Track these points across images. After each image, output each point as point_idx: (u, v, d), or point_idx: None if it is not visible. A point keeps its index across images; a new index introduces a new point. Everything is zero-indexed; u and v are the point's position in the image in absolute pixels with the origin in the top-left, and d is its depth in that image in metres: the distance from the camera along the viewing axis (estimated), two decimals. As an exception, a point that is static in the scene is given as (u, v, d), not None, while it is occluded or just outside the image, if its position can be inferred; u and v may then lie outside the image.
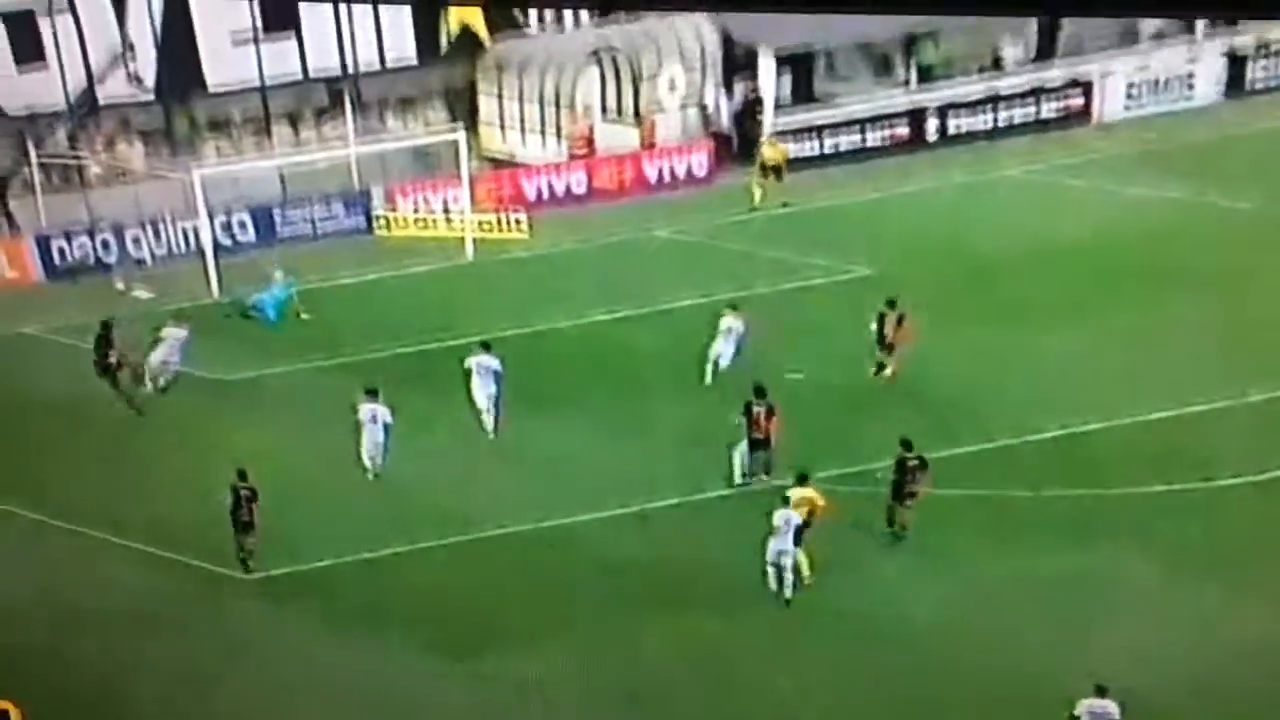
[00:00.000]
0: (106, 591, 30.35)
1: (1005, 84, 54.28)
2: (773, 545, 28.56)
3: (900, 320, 35.97)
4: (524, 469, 33.70)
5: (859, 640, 28.04)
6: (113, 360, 36.62)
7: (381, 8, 50.09)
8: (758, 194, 47.84)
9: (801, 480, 29.45)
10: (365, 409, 33.12)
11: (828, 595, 28.94)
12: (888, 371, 36.27)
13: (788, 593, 28.58)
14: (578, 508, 31.84)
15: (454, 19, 51.31)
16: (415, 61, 51.62)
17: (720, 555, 30.04)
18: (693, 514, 31.43)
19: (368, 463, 33.26)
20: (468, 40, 51.88)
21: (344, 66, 50.56)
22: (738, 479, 32.37)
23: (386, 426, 33.11)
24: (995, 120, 53.12)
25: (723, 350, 36.02)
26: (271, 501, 30.67)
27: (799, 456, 31.71)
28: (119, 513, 32.34)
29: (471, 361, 34.86)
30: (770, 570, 28.67)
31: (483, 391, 34.75)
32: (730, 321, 36.12)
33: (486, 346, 35.20)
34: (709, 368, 36.04)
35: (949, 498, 30.82)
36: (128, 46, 47.89)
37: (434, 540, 31.09)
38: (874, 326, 36.17)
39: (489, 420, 34.81)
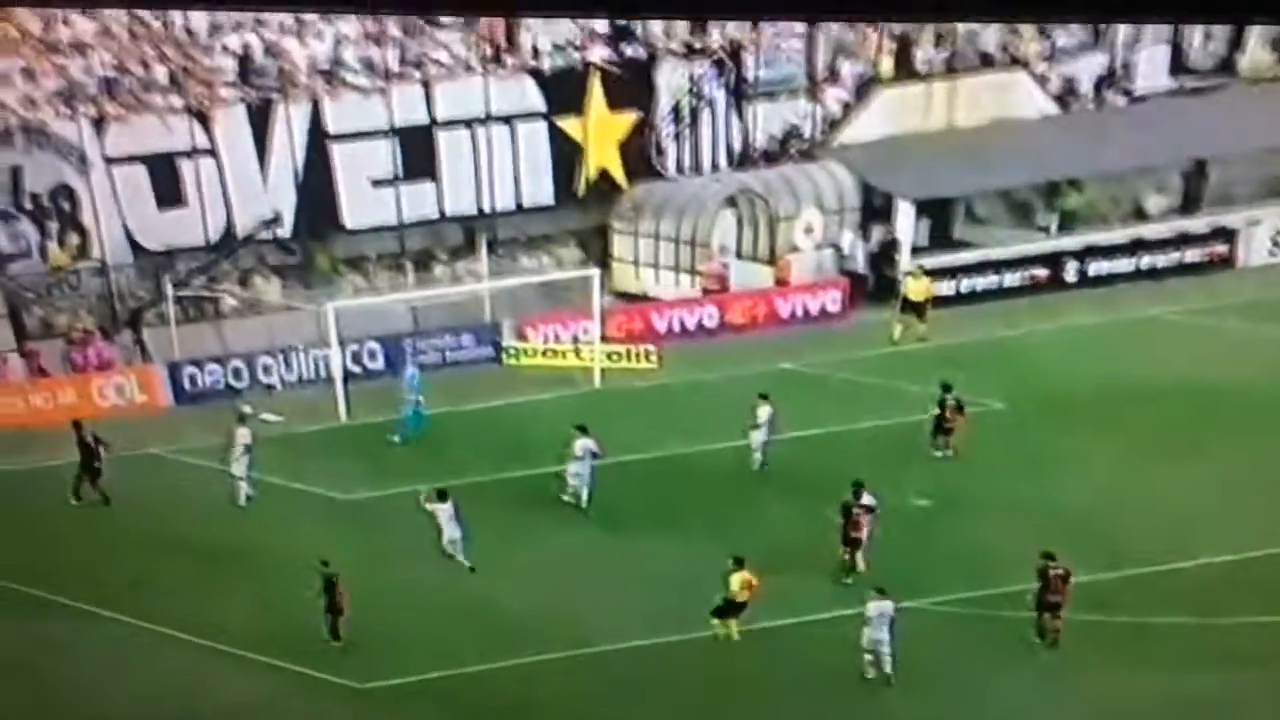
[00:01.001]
0: (217, 699, 30.22)
1: (1148, 230, 53.43)
2: (867, 634, 29.30)
3: (958, 407, 38.22)
4: (640, 588, 33.38)
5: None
6: (97, 465, 37.55)
7: (521, 156, 50.77)
8: (897, 330, 47.20)
9: (738, 564, 30.49)
10: (440, 509, 33.81)
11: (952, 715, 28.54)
12: (943, 453, 38.52)
13: (886, 668, 29.22)
14: (687, 626, 31.41)
15: (592, 164, 51.61)
16: (552, 203, 51.85)
17: (829, 664, 29.97)
18: (798, 628, 30.98)
19: (459, 556, 33.90)
20: (605, 184, 52.04)
21: (480, 208, 50.90)
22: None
23: (460, 521, 33.79)
24: (1136, 264, 52.11)
25: (762, 438, 38.23)
26: (380, 615, 31.14)
27: (928, 578, 32.20)
28: (233, 622, 32.37)
29: (575, 445, 36.26)
30: (866, 657, 29.23)
31: (577, 470, 36.47)
32: (765, 412, 38.15)
33: (584, 430, 36.54)
34: (755, 455, 38.32)
35: (1081, 623, 30.47)
36: (273, 219, 48.52)
37: (544, 655, 30.81)
38: (934, 412, 38.48)
39: (582, 495, 36.58)
